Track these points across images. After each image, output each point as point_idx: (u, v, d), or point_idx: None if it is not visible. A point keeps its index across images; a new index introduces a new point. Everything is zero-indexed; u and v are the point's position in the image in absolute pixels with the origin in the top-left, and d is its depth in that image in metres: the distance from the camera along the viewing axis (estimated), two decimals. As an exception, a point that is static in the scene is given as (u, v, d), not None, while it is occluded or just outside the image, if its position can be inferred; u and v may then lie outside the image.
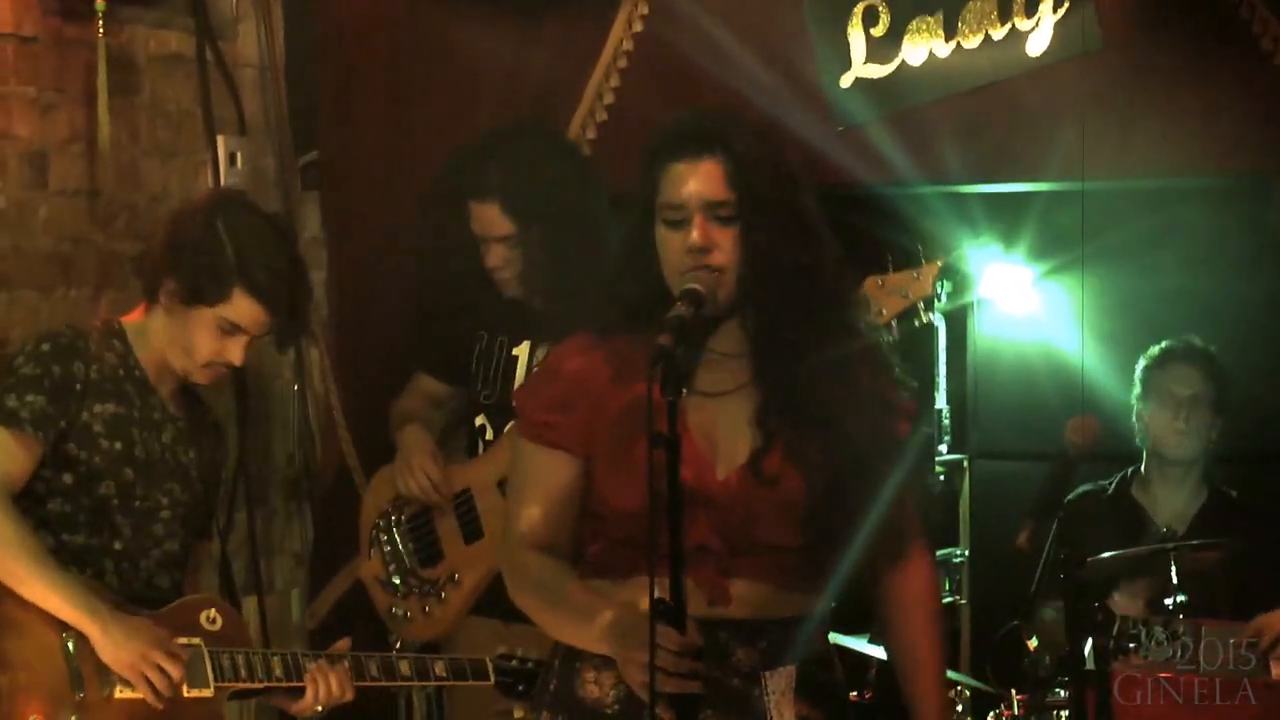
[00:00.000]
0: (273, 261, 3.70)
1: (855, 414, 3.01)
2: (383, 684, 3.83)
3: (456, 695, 4.54)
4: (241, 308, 3.67)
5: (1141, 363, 5.05)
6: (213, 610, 3.76)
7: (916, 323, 4.04)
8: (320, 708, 3.76)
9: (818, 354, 3.00)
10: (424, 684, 3.95)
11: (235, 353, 3.71)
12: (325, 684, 3.74)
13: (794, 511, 2.98)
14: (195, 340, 3.70)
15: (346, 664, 3.76)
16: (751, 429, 3.00)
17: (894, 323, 4.00)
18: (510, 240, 4.30)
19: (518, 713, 4.00)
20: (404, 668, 3.83)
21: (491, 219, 4.31)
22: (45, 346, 3.69)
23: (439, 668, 3.83)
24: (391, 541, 4.50)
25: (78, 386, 3.66)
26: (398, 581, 4.48)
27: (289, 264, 3.74)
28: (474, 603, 4.39)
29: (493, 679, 3.82)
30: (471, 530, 4.40)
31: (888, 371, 3.11)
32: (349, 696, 3.77)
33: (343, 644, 3.83)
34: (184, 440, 3.81)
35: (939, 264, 4.00)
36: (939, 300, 4.05)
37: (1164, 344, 5.04)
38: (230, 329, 3.69)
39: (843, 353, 3.03)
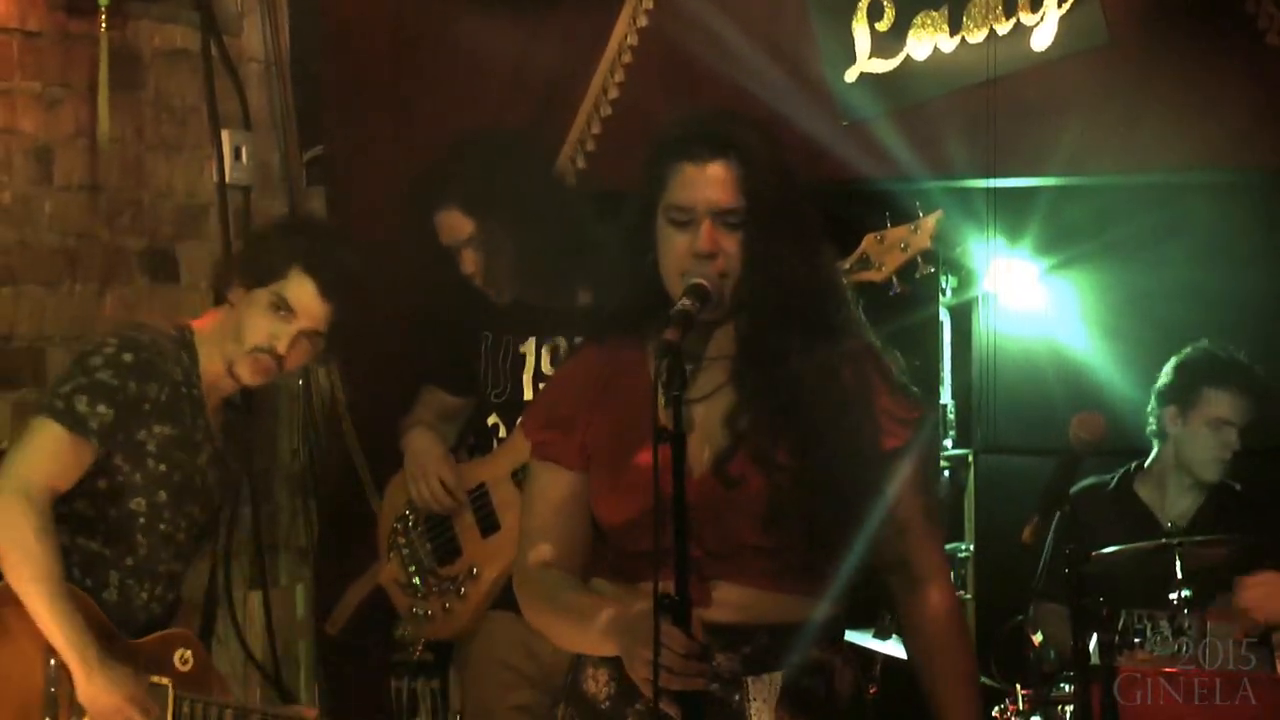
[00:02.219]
0: (338, 254, 3.75)
1: (834, 420, 2.97)
2: None
3: (469, 689, 4.53)
4: (296, 285, 3.70)
5: (1174, 362, 4.96)
6: (187, 650, 3.77)
7: (918, 275, 4.02)
8: None
9: (802, 359, 2.98)
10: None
11: (283, 339, 3.70)
12: None
13: (757, 512, 2.95)
14: (247, 323, 3.71)
15: None
16: (721, 430, 2.99)
17: (895, 278, 3.99)
18: (474, 241, 4.32)
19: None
20: None
21: (454, 224, 4.35)
22: (127, 358, 3.67)
23: None
24: (410, 544, 4.50)
25: (147, 407, 3.66)
26: (418, 582, 4.49)
27: (351, 266, 3.78)
28: (495, 596, 4.39)
29: None
30: (488, 524, 4.41)
31: (885, 379, 3.07)
32: None
33: (311, 713, 3.89)
34: (215, 463, 3.82)
35: (937, 216, 3.98)
36: (945, 273, 3.99)
37: (1206, 349, 4.94)
38: (282, 305, 3.69)
39: (829, 358, 3.00)
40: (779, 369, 2.98)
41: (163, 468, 3.70)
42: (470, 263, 4.36)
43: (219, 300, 3.88)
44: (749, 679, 2.97)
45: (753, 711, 2.96)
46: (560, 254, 4.24)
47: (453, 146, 4.48)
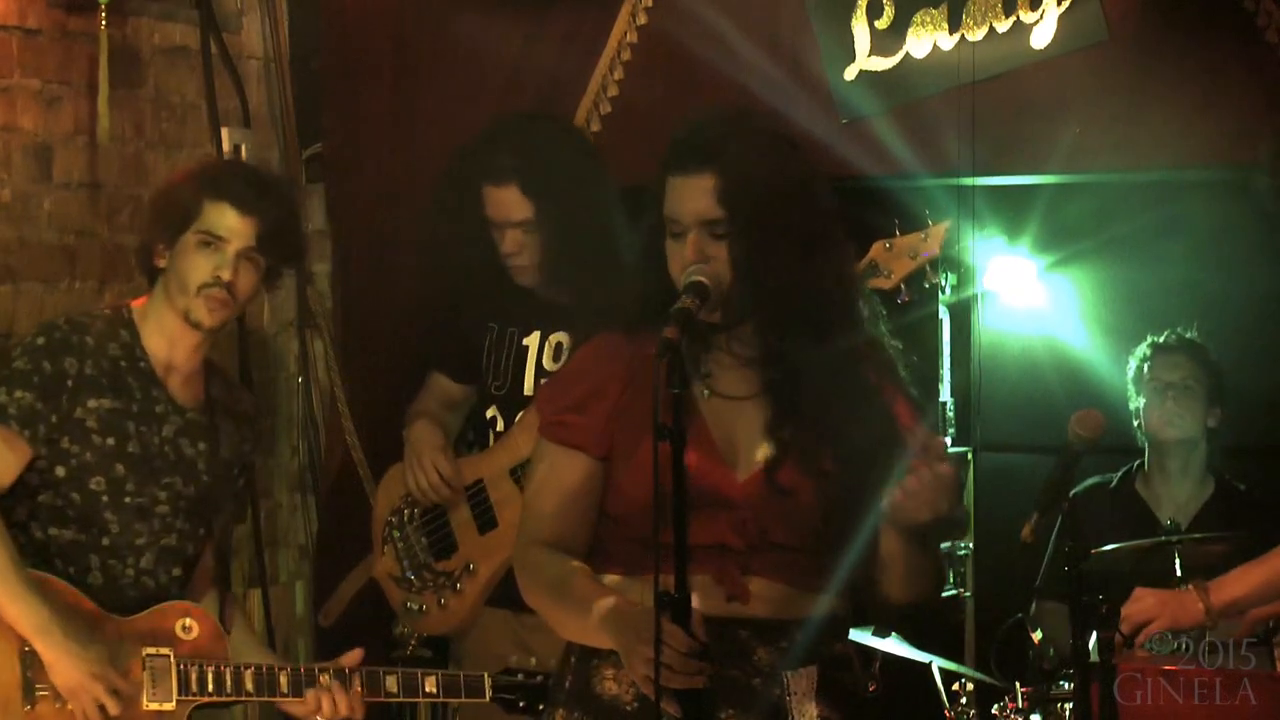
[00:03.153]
0: (241, 172, 3.75)
1: (863, 427, 3.01)
2: (399, 700, 3.83)
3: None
4: (214, 214, 3.68)
5: (1132, 362, 5.12)
6: (188, 619, 3.74)
7: (926, 284, 4.02)
8: None
9: (822, 368, 3.00)
10: (422, 700, 3.93)
11: (225, 267, 3.69)
12: (332, 701, 3.73)
13: (810, 518, 3.00)
14: (185, 270, 3.70)
15: (359, 685, 3.75)
16: (767, 437, 3.03)
17: (903, 285, 4.00)
18: (528, 224, 4.28)
19: None
20: (429, 684, 3.80)
21: (509, 202, 4.28)
22: (39, 341, 3.68)
23: (430, 683, 3.81)
24: (405, 537, 4.50)
25: (69, 383, 3.64)
26: (412, 576, 4.48)
27: (261, 177, 3.78)
28: (490, 593, 4.39)
29: (488, 696, 3.81)
30: (486, 520, 4.41)
31: (900, 389, 3.10)
32: (358, 715, 3.76)
33: (354, 656, 3.82)
34: (191, 432, 3.78)
35: (947, 225, 3.99)
36: (944, 271, 4.00)
37: (1150, 339, 5.11)
38: (211, 240, 3.69)
39: (849, 365, 3.03)
40: (807, 380, 3.01)
41: (110, 441, 3.68)
42: (513, 243, 4.30)
43: (152, 282, 3.85)
44: (788, 673, 3.00)
45: (794, 705, 3.00)
46: (598, 252, 4.18)
47: (509, 120, 4.42)
